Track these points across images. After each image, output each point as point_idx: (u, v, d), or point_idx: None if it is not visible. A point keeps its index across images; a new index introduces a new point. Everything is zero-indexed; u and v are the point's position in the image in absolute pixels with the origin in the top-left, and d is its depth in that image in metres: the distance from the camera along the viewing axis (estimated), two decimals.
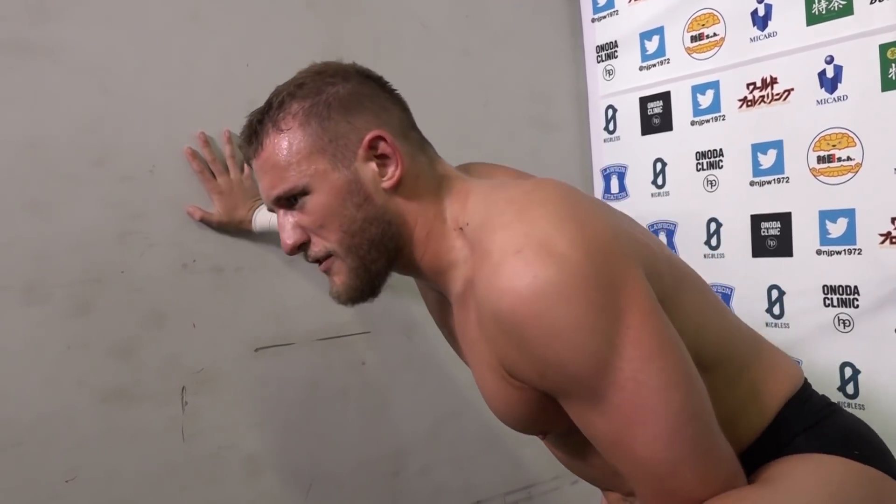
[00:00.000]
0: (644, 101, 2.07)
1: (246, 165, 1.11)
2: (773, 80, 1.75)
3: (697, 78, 1.92)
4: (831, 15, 1.64)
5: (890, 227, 1.55)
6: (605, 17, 2.17)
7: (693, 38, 1.92)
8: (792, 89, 1.72)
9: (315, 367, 1.70)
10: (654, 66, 2.03)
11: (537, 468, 2.07)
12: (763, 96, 1.77)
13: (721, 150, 1.87)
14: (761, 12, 1.77)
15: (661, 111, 2.02)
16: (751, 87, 1.80)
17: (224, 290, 1.58)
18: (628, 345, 0.81)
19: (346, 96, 0.97)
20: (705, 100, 1.90)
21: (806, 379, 1.06)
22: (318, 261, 1.00)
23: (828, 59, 1.64)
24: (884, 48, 1.55)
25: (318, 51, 1.70)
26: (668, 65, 1.99)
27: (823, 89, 1.66)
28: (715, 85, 1.88)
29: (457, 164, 1.14)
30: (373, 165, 0.96)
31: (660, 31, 2.00)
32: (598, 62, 2.20)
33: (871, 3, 1.57)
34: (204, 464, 1.54)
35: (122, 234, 1.46)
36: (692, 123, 1.94)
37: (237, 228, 1.57)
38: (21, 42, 1.35)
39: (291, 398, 1.67)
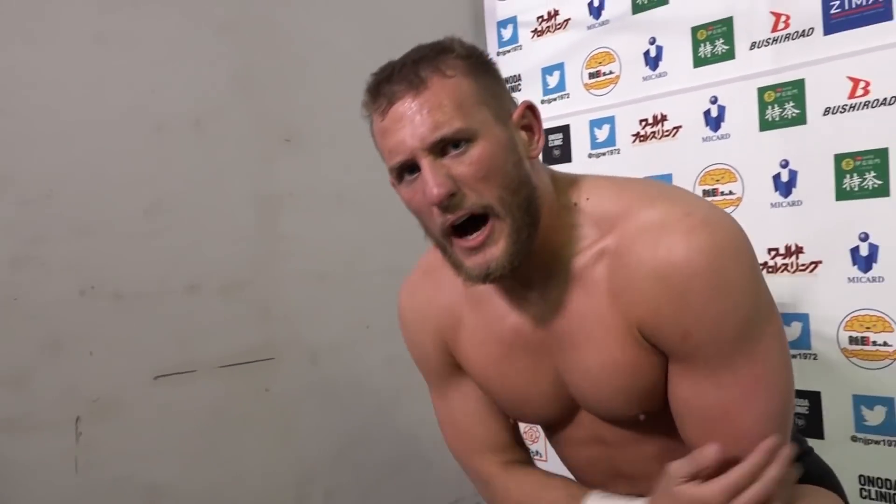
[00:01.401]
0: (546, 134, 2.15)
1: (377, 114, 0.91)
2: (664, 118, 1.86)
3: (595, 113, 2.01)
4: (715, 58, 1.75)
5: (766, 258, 1.66)
6: (509, 51, 2.25)
7: (591, 75, 2.02)
8: (680, 126, 1.83)
9: (217, 394, 1.69)
10: (555, 99, 2.12)
11: (441, 491, 2.09)
12: (654, 132, 1.88)
13: None
14: (653, 53, 1.87)
15: (561, 143, 2.11)
16: (643, 123, 1.90)
17: (123, 316, 1.55)
18: (768, 318, 0.89)
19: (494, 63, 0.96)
20: (602, 134, 2.00)
21: None
22: (471, 220, 0.89)
23: (712, 99, 1.76)
24: (761, 91, 1.68)
25: (229, 77, 1.71)
26: (568, 99, 2.08)
27: (708, 127, 1.77)
28: (611, 120, 1.98)
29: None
30: (522, 133, 0.94)
31: (560, 66, 2.09)
32: None
33: (751, 49, 1.70)
34: (98, 496, 1.51)
35: (16, 259, 1.42)
36: (590, 156, 2.03)
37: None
38: None
39: (192, 426, 1.65)
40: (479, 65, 0.92)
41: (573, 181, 0.99)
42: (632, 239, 0.90)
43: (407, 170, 0.89)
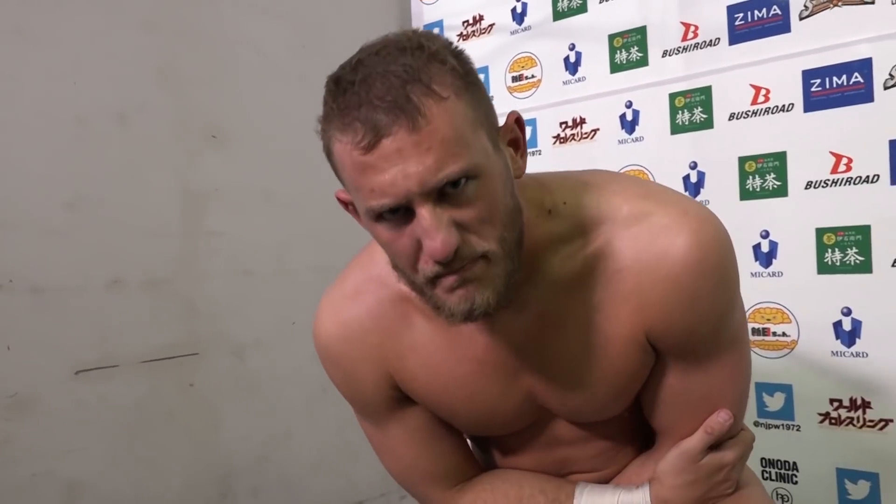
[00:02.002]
0: None
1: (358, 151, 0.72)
2: (583, 121, 1.94)
3: None
4: (631, 65, 1.84)
5: None
6: None
7: (514, 79, 2.09)
8: (598, 129, 1.91)
9: (140, 389, 1.68)
10: None
11: (366, 486, 2.12)
12: (574, 134, 1.96)
13: None
14: (572, 59, 1.95)
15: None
16: (563, 126, 1.98)
17: (43, 311, 1.53)
18: (742, 306, 0.93)
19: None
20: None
21: None
22: (459, 265, 0.77)
23: (627, 103, 1.85)
24: (672, 96, 1.77)
25: (153, 71, 1.71)
26: (493, 101, 2.14)
27: (624, 130, 1.86)
28: (533, 122, 2.05)
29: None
30: (510, 149, 0.82)
31: (485, 70, 2.15)
32: None
33: (663, 56, 1.79)
34: (16, 492, 1.48)
35: None
36: None
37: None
38: None
39: (114, 421, 1.63)
40: (470, 76, 0.77)
41: (540, 184, 0.89)
42: (630, 243, 0.85)
43: (390, 210, 0.74)
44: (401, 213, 0.74)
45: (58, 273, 1.56)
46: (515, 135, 0.83)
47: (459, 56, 0.77)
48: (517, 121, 0.83)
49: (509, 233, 0.78)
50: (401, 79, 0.71)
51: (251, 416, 1.88)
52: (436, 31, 2.26)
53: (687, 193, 1.75)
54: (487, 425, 1.01)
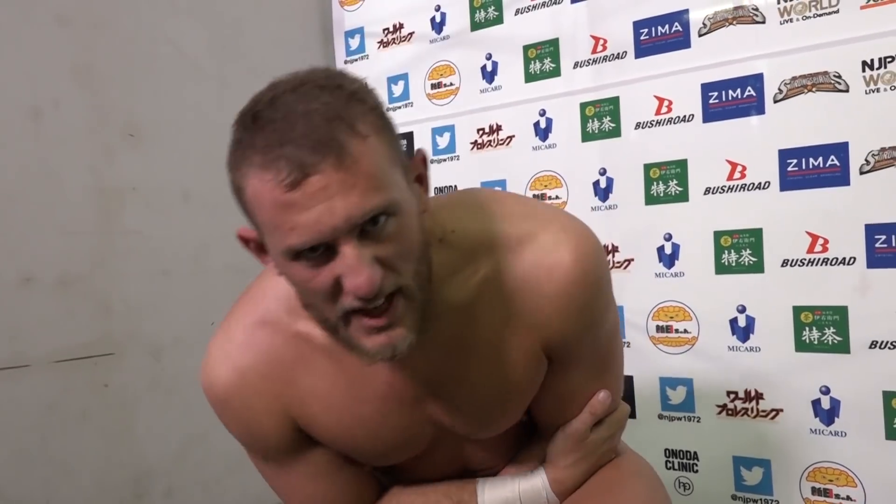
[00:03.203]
0: None
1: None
2: (499, 128, 2.01)
3: (436, 121, 2.14)
4: (544, 75, 1.93)
5: None
6: (356, 59, 2.34)
7: (433, 86, 2.15)
8: (514, 136, 1.99)
9: (52, 389, 1.65)
10: (400, 107, 2.23)
11: None
12: (490, 141, 2.03)
13: (456, 186, 2.10)
14: (489, 68, 2.03)
15: (405, 150, 2.21)
16: (480, 133, 2.05)
17: None
18: (615, 309, 1.02)
19: None
20: (443, 141, 2.13)
21: None
22: (383, 302, 0.77)
23: (541, 112, 1.93)
24: (583, 106, 1.87)
25: (68, 67, 1.69)
26: (412, 108, 2.20)
27: (538, 137, 1.94)
28: (451, 128, 2.11)
29: None
30: (416, 185, 0.84)
31: (405, 76, 2.21)
32: None
33: (574, 67, 1.88)
34: None
35: None
36: (432, 161, 2.15)
37: None
38: None
39: (24, 423, 1.60)
40: (385, 116, 0.78)
41: (429, 213, 0.88)
42: (520, 265, 0.90)
43: (310, 249, 0.74)
44: (320, 252, 0.74)
45: None
46: (420, 171, 0.85)
47: (374, 96, 0.79)
48: (424, 159, 0.85)
49: (422, 266, 0.81)
50: (324, 117, 0.71)
51: (167, 417, 1.86)
52: (357, 37, 2.31)
53: (596, 198, 1.85)
54: (389, 456, 1.02)
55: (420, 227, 0.81)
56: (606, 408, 1.02)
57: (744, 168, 1.65)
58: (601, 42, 1.84)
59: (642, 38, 1.77)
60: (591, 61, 1.86)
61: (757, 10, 1.61)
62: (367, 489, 1.07)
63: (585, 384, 1.01)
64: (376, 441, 0.97)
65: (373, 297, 0.74)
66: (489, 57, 2.03)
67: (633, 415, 1.81)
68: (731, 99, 1.65)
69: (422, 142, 2.18)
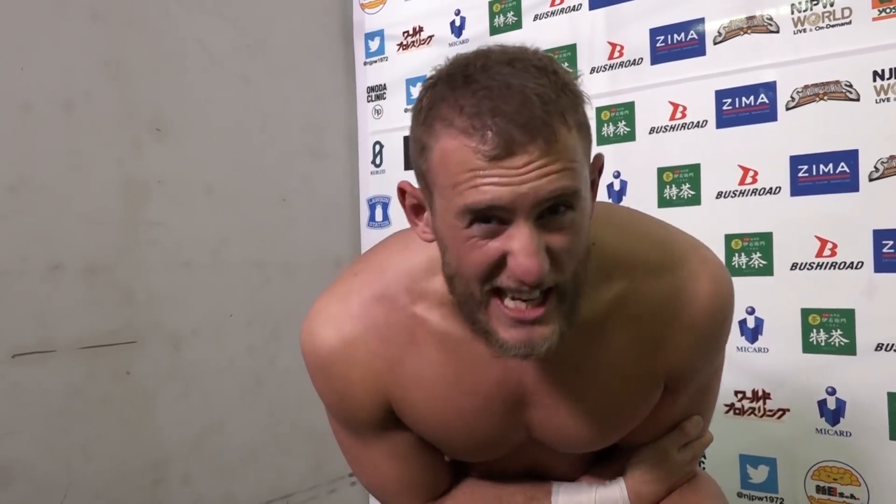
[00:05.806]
0: (407, 140, 2.29)
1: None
2: None
3: None
4: None
5: None
6: (376, 61, 2.38)
7: None
8: None
9: (77, 375, 1.69)
10: None
11: (296, 478, 2.16)
12: None
13: None
14: None
15: None
16: None
17: None
18: None
19: None
20: None
21: None
22: (539, 295, 0.77)
23: None
24: (599, 110, 1.91)
25: (100, 62, 1.74)
26: None
27: None
28: None
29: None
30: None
31: (424, 79, 2.24)
32: (369, 102, 2.41)
33: (591, 73, 1.94)
34: None
35: None
36: None
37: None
38: None
39: (49, 406, 1.64)
40: (586, 113, 0.78)
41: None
42: (656, 291, 0.89)
43: (482, 217, 0.73)
44: (494, 223, 0.74)
45: None
46: (594, 177, 0.83)
47: (582, 91, 0.78)
48: (601, 166, 0.84)
49: (582, 268, 0.79)
50: (541, 98, 0.71)
51: (185, 406, 1.90)
52: (377, 39, 2.35)
53: (611, 201, 1.89)
54: (474, 454, 1.03)
55: (588, 229, 0.79)
56: (698, 432, 1.05)
57: (755, 173, 1.69)
58: (618, 48, 1.88)
59: (658, 45, 1.81)
60: (607, 67, 1.90)
61: (771, 20, 1.66)
62: (441, 477, 1.06)
63: (684, 409, 1.03)
64: (469, 437, 0.97)
65: (535, 285, 0.74)
66: None
67: None
68: (745, 106, 1.69)
69: None
